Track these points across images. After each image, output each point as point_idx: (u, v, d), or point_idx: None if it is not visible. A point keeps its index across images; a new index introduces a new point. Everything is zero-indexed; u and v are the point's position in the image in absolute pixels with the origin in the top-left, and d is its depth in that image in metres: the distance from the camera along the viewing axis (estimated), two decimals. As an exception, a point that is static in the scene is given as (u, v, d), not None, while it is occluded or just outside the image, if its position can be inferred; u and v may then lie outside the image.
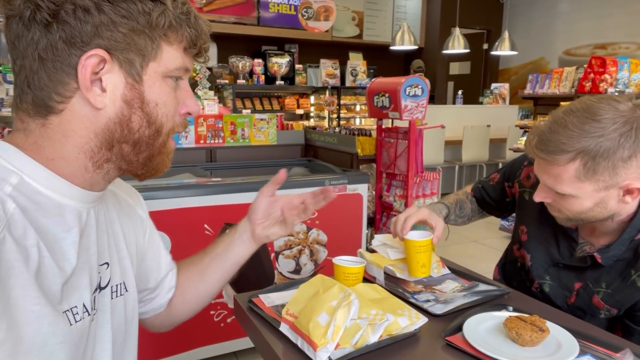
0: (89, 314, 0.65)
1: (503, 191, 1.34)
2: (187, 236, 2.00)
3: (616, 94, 3.52)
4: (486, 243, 4.15)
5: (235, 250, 0.92)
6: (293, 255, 2.25)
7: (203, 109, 2.83)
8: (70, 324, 0.60)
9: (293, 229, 0.95)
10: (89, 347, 0.67)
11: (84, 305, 0.63)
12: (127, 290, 0.77)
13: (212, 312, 2.14)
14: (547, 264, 1.14)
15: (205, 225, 2.04)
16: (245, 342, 2.22)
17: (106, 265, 0.71)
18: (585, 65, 3.63)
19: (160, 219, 2.10)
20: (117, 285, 0.74)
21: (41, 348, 0.56)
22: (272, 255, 2.22)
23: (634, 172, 0.90)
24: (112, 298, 0.72)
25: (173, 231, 1.94)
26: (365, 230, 2.40)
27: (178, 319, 0.94)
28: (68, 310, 0.60)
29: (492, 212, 1.43)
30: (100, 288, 0.69)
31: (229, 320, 2.17)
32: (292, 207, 0.92)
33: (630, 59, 3.60)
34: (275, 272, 2.22)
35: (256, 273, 2.17)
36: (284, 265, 2.23)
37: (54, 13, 0.56)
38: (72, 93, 0.59)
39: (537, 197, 1.02)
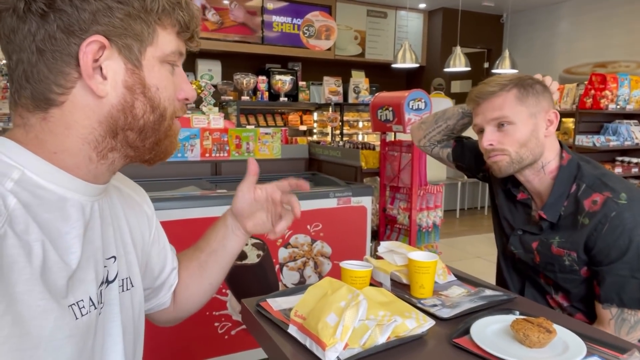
0: (95, 308, 0.64)
1: (480, 160, 1.35)
2: (193, 247, 2.00)
3: (618, 109, 3.55)
4: (489, 259, 4.14)
5: (230, 245, 0.92)
6: (297, 267, 2.26)
7: (209, 123, 2.86)
8: (76, 318, 0.60)
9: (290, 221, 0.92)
10: (98, 341, 0.67)
11: (90, 299, 0.63)
12: (132, 285, 0.77)
13: (216, 324, 2.13)
14: (510, 233, 1.30)
15: (211, 236, 2.05)
16: (249, 355, 2.21)
17: (113, 259, 0.71)
18: (586, 82, 3.67)
19: (165, 230, 2.11)
20: (123, 280, 0.74)
21: (48, 343, 0.56)
22: (277, 267, 2.22)
23: (547, 104, 1.18)
24: (120, 292, 0.72)
25: (178, 242, 1.94)
26: (369, 243, 2.41)
27: (185, 313, 0.96)
28: (74, 304, 0.60)
29: (463, 167, 1.50)
30: (107, 282, 0.69)
31: (233, 332, 2.17)
32: (276, 202, 0.89)
33: (630, 75, 3.64)
34: (280, 283, 2.22)
35: (260, 285, 2.17)
36: (288, 277, 2.23)
37: (50, 2, 0.56)
38: (72, 83, 0.59)
39: (485, 141, 1.18)
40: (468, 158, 1.46)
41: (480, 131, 1.21)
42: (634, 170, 3.71)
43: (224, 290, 2.12)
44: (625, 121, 3.78)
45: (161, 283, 0.89)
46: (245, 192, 0.88)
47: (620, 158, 3.83)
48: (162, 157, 0.69)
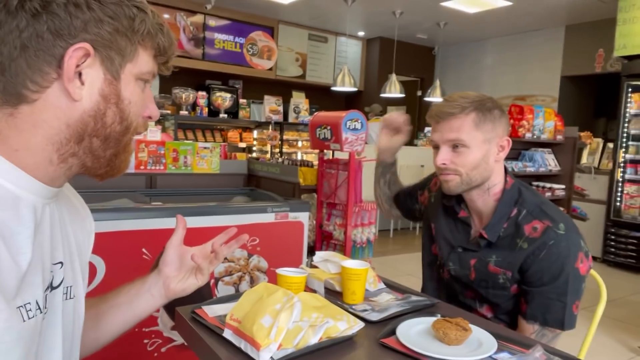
0: (42, 312, 0.64)
1: (414, 197, 1.62)
2: (123, 260, 1.94)
3: (534, 138, 3.89)
4: (420, 276, 4.31)
5: (139, 305, 0.90)
6: (233, 281, 2.24)
7: (145, 135, 2.80)
8: (23, 320, 0.59)
9: (207, 278, 0.96)
10: (40, 347, 0.66)
11: (37, 303, 0.63)
12: (74, 296, 0.75)
13: (145, 341, 2.06)
14: (449, 250, 1.36)
15: (144, 250, 2.00)
16: (179, 373, 2.15)
17: (60, 265, 0.70)
18: (506, 112, 4.00)
19: (95, 242, 2.03)
20: (67, 288, 0.73)
21: None
22: (212, 281, 2.20)
23: (502, 130, 1.25)
24: (64, 299, 0.71)
25: (108, 255, 1.89)
26: (305, 258, 2.45)
27: (98, 342, 0.91)
28: (22, 306, 0.59)
29: (407, 210, 1.69)
30: (52, 287, 0.68)
31: (163, 349, 2.10)
32: (205, 255, 0.93)
33: (545, 108, 4.01)
34: (214, 298, 2.19)
35: (193, 300, 2.13)
36: (223, 292, 2.21)
37: (45, 4, 0.58)
38: (49, 83, 0.61)
39: (439, 160, 1.25)
40: (404, 202, 1.63)
41: (436, 147, 1.29)
42: (548, 194, 4.06)
43: (155, 305, 2.06)
44: (540, 149, 4.14)
45: None
46: (176, 246, 0.92)
47: (535, 183, 4.17)
48: (114, 172, 0.71)
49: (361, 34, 8.11)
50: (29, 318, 0.60)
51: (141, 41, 0.66)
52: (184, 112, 4.88)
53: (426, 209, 1.53)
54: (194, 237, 2.27)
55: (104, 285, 1.91)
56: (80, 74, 0.62)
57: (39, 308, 0.63)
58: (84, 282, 0.81)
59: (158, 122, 4.79)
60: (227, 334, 0.89)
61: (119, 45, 0.64)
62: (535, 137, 3.91)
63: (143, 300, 0.90)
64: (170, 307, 2.06)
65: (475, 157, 1.22)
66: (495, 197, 1.28)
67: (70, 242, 0.75)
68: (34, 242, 0.63)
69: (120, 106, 0.66)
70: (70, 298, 0.73)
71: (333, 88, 6.53)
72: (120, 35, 0.63)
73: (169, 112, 4.88)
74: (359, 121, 2.43)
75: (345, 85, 6.23)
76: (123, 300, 0.89)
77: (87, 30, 0.60)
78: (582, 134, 4.89)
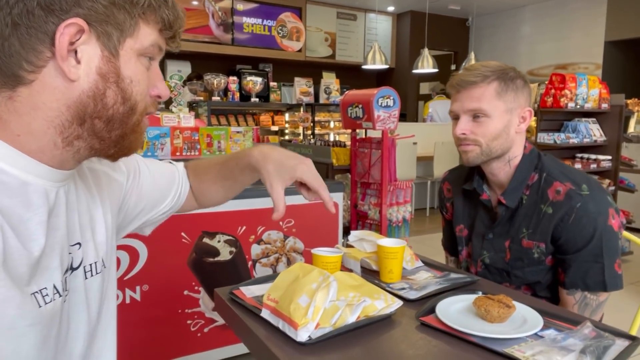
0: (61, 296, 0.63)
1: (450, 223, 1.47)
2: (164, 244, 2.00)
3: (577, 107, 3.71)
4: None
5: (250, 179, 0.97)
6: (270, 263, 2.27)
7: (179, 122, 2.84)
8: (40, 306, 0.59)
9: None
10: (63, 329, 0.66)
11: (55, 287, 0.62)
12: (104, 267, 0.75)
13: (188, 322, 2.12)
14: (481, 241, 1.32)
15: (183, 234, 2.05)
16: (222, 353, 2.21)
17: (78, 246, 0.70)
18: (546, 82, 3.82)
19: (136, 229, 2.10)
20: (90, 265, 0.73)
21: (9, 331, 0.55)
22: (250, 263, 2.23)
23: (525, 101, 1.22)
24: (86, 278, 0.71)
25: (149, 240, 1.94)
26: (341, 239, 2.45)
27: (207, 205, 1.04)
28: (37, 292, 0.59)
29: (455, 238, 1.49)
30: (72, 269, 0.68)
31: (206, 330, 2.16)
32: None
33: (588, 75, 3.80)
34: (251, 279, 2.23)
35: (233, 281, 2.17)
36: (261, 274, 2.25)
37: None
38: (44, 62, 0.57)
39: (459, 130, 1.22)
40: (449, 238, 1.49)
41: (456, 118, 1.24)
42: (593, 166, 3.88)
43: (196, 288, 2.12)
44: (584, 119, 3.95)
45: (170, 206, 0.95)
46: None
47: (579, 155, 3.99)
48: (126, 152, 0.67)
49: (391, 9, 7.90)
50: (46, 303, 0.60)
51: (142, 14, 0.61)
52: (216, 98, 4.92)
53: (452, 216, 1.44)
54: (228, 221, 2.30)
55: (146, 269, 1.97)
56: (76, 52, 0.58)
57: (58, 292, 0.63)
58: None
59: (191, 108, 4.86)
60: (265, 314, 0.89)
61: (117, 19, 0.59)
62: (578, 106, 3.72)
63: (254, 177, 0.96)
64: (211, 290, 2.11)
65: (496, 127, 1.19)
66: (515, 167, 1.25)
67: (90, 218, 0.74)
68: (48, 227, 0.62)
69: (121, 85, 0.61)
70: (96, 274, 0.74)
71: (364, 66, 6.42)
72: (118, 9, 0.59)
73: (201, 98, 4.93)
74: (391, 98, 2.38)
75: (376, 63, 6.11)
76: (243, 181, 0.97)
77: (79, 4, 0.56)
78: (629, 101, 4.60)
